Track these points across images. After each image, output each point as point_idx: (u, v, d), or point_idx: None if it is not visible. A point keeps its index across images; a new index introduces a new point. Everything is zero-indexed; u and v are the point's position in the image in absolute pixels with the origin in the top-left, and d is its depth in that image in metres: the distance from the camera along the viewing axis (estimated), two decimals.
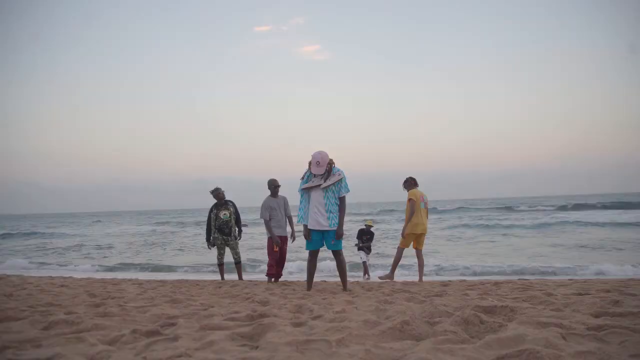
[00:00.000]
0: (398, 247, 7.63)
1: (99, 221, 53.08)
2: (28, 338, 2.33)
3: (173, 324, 2.69)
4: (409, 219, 7.36)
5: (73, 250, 19.44)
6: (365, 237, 9.17)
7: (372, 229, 9.34)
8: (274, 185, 7.66)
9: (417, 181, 7.68)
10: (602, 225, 21.45)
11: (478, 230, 22.40)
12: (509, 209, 40.89)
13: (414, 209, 7.30)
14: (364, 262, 9.14)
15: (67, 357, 1.87)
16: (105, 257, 16.77)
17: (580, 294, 4.53)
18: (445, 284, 6.73)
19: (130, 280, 8.69)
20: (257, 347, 2.15)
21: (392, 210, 46.43)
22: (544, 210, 35.06)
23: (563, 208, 36.94)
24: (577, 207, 36.68)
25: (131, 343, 2.25)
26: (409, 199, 7.43)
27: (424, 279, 7.75)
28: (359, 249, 9.24)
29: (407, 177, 7.75)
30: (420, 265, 7.61)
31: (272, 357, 1.89)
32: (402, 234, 7.44)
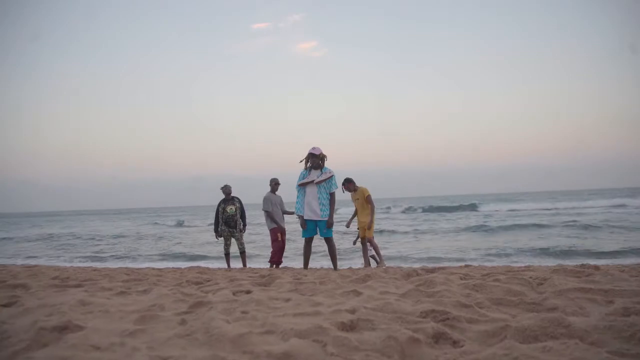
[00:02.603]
0: (371, 238, 8.52)
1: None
2: (118, 285, 3.66)
3: (210, 280, 4.03)
4: (373, 212, 8.41)
5: None
6: None
7: None
8: (274, 183, 9.01)
9: (353, 180, 8.61)
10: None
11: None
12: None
13: (373, 203, 8.40)
14: (372, 256, 9.33)
15: (157, 289, 3.21)
16: None
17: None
18: (423, 268, 8.10)
19: (147, 267, 10.01)
20: (270, 286, 3.48)
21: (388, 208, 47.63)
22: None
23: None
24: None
25: (189, 286, 3.59)
26: (368, 195, 8.41)
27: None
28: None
29: (347, 178, 8.54)
30: (374, 247, 8.56)
31: (279, 288, 3.24)
32: (370, 227, 8.37)
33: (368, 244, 8.63)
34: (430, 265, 9.99)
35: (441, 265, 8.92)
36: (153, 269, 9.17)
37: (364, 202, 8.44)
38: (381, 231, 19.74)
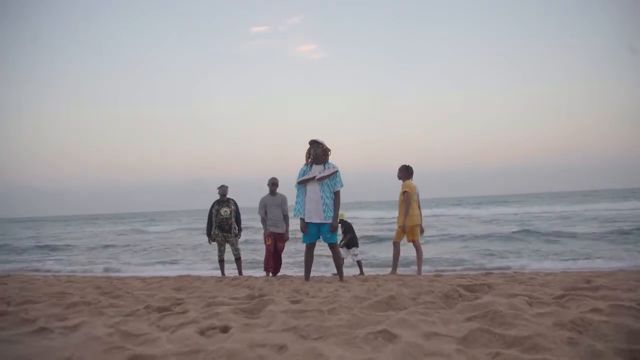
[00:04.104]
0: (394, 242, 7.51)
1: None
2: (53, 314, 2.60)
3: (181, 303, 2.97)
4: (405, 212, 7.28)
5: None
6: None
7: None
8: (271, 183, 8.03)
9: (412, 170, 7.51)
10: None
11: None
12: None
13: (410, 201, 7.26)
14: (358, 261, 8.22)
15: (91, 325, 2.15)
16: None
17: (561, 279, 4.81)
18: (438, 275, 7.02)
19: (133, 276, 8.95)
20: (257, 317, 2.42)
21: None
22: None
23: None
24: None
25: (145, 316, 2.53)
26: (404, 192, 7.23)
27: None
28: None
29: (403, 164, 7.45)
30: (419, 257, 7.48)
31: (270, 323, 2.17)
32: (404, 228, 7.27)
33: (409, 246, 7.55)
34: (430, 268, 8.88)
35: (459, 273, 7.82)
36: (136, 278, 8.10)
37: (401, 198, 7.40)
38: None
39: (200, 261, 14.63)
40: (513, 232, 19.56)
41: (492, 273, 7.05)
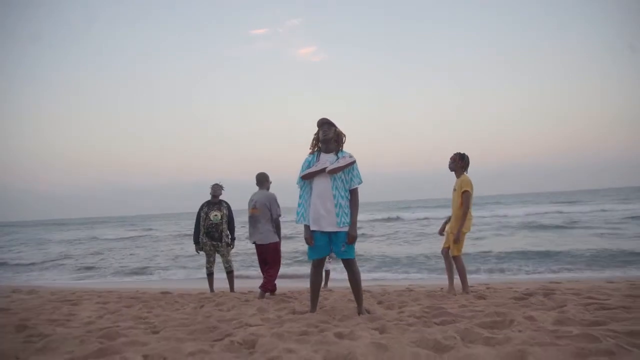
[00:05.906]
0: (456, 257, 5.60)
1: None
2: None
3: None
4: (464, 218, 5.44)
5: None
6: None
7: None
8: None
9: (468, 160, 5.64)
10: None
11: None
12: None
13: (469, 204, 5.46)
14: (326, 271, 7.52)
15: None
16: None
17: None
18: (480, 297, 5.25)
19: (100, 294, 7.17)
20: None
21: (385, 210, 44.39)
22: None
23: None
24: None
25: None
26: (465, 191, 5.44)
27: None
28: None
29: (457, 153, 5.64)
30: (459, 271, 5.68)
31: None
32: (457, 239, 5.50)
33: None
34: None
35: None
36: (98, 301, 6.29)
37: (458, 199, 5.58)
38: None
39: (195, 268, 13.01)
40: (516, 232, 17.92)
41: (554, 293, 5.25)
